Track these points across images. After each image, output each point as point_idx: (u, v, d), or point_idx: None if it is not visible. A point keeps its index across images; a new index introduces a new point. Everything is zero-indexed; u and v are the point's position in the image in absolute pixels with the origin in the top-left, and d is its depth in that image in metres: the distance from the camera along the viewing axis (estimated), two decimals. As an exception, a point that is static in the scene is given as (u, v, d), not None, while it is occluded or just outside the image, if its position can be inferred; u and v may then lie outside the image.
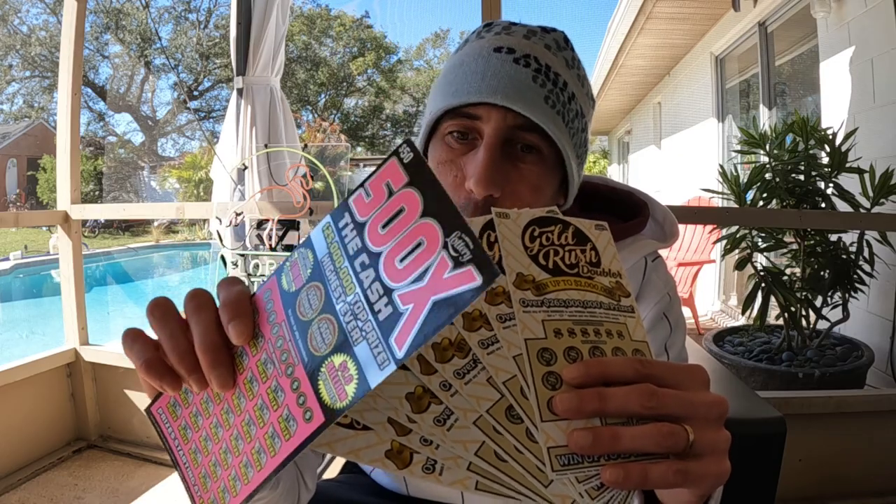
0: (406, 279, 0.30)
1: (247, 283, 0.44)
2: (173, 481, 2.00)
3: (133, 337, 0.38)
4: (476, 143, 0.60)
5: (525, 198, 0.60)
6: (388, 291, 0.30)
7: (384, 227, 0.32)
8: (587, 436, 0.33)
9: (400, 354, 0.28)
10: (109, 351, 2.22)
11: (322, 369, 0.32)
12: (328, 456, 0.72)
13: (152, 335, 0.38)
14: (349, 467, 0.92)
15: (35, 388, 2.10)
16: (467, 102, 0.59)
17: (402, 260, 0.30)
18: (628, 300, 0.40)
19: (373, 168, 0.35)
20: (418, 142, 0.66)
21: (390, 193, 0.32)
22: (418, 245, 0.30)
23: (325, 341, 0.32)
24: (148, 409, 0.42)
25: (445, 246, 0.29)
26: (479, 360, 0.35)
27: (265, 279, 0.37)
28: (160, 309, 0.37)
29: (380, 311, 0.30)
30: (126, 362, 2.16)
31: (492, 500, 0.76)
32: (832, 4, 2.81)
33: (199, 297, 0.37)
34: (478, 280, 0.27)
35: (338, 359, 0.31)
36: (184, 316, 0.37)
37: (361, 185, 0.34)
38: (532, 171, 0.60)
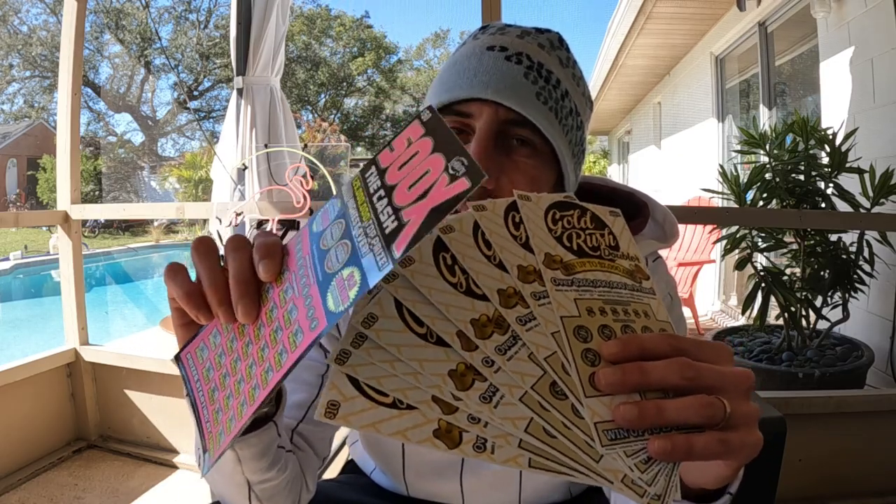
0: (412, 199, 0.32)
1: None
2: (173, 481, 2.01)
3: (176, 270, 0.42)
4: (470, 138, 0.60)
5: (522, 189, 0.60)
6: (396, 210, 0.33)
7: (401, 168, 0.35)
8: (633, 409, 0.33)
9: (398, 255, 0.31)
10: (109, 351, 2.22)
11: (332, 283, 0.34)
12: (328, 456, 0.71)
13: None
14: (349, 468, 0.92)
15: (35, 388, 2.10)
16: (459, 98, 0.59)
17: (410, 187, 0.33)
18: (648, 283, 0.41)
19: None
20: None
21: (409, 144, 0.35)
22: (425, 173, 0.33)
23: (339, 260, 0.34)
24: (177, 356, 0.45)
25: (446, 169, 0.32)
26: (520, 337, 0.35)
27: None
28: (204, 246, 0.42)
29: (387, 227, 0.32)
30: (126, 362, 2.16)
31: (495, 499, 0.77)
32: (832, 4, 2.81)
33: (237, 240, 0.41)
34: (468, 184, 0.30)
35: (346, 271, 0.33)
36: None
37: (388, 143, 0.37)
38: (527, 164, 0.60)
